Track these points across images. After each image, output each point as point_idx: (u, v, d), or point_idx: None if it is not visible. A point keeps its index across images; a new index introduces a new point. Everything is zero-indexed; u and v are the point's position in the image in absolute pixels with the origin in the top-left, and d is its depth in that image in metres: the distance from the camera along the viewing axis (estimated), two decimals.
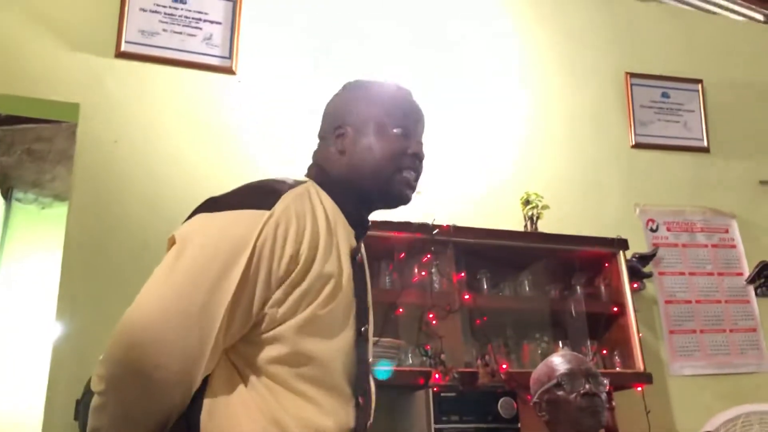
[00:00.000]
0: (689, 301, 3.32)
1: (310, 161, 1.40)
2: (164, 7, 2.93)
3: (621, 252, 2.98)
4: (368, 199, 1.36)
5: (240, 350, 1.16)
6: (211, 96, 2.92)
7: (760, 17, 4.39)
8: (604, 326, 2.95)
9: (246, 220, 1.15)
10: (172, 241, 1.16)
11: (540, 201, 3.01)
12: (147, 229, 2.67)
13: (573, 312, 2.92)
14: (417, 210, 2.33)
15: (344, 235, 1.28)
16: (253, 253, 1.12)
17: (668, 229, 3.43)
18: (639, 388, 2.83)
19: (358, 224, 1.34)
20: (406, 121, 1.37)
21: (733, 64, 3.84)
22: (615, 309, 2.92)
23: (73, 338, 2.47)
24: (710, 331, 3.29)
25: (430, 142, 1.46)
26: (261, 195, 1.21)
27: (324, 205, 1.27)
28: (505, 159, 3.26)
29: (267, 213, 1.15)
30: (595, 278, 3.04)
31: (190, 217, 1.21)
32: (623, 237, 2.99)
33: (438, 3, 3.41)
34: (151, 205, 2.71)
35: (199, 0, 2.98)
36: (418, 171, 1.36)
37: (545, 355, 2.53)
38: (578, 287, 2.96)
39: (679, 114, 3.66)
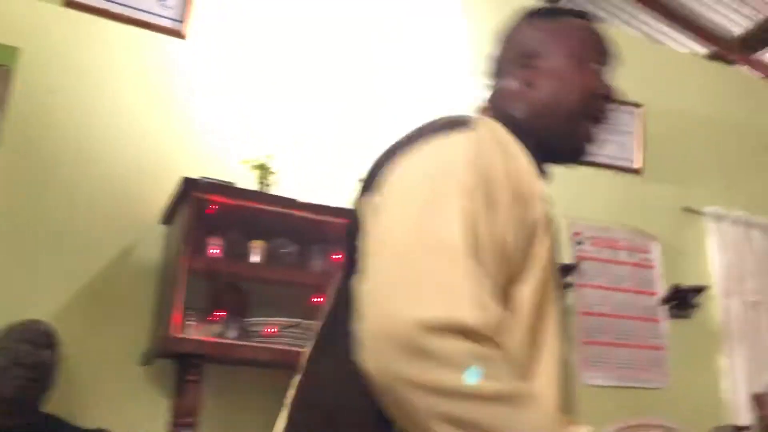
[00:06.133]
0: (604, 315, 3.45)
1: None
2: None
3: None
4: (543, 148, 1.12)
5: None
6: (159, 57, 2.88)
7: (705, 51, 4.57)
8: None
9: (486, 146, 0.97)
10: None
11: None
12: (78, 183, 2.63)
13: None
14: None
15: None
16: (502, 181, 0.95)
17: (593, 244, 3.54)
18: None
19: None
20: (604, 59, 1.20)
21: (674, 92, 3.97)
22: None
23: None
24: (620, 345, 3.42)
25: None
26: (460, 120, 1.01)
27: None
28: None
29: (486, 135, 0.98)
30: None
31: (384, 160, 1.01)
32: None
33: None
34: (84, 160, 2.66)
35: None
36: (605, 119, 1.19)
37: None
38: None
39: (616, 134, 3.76)
